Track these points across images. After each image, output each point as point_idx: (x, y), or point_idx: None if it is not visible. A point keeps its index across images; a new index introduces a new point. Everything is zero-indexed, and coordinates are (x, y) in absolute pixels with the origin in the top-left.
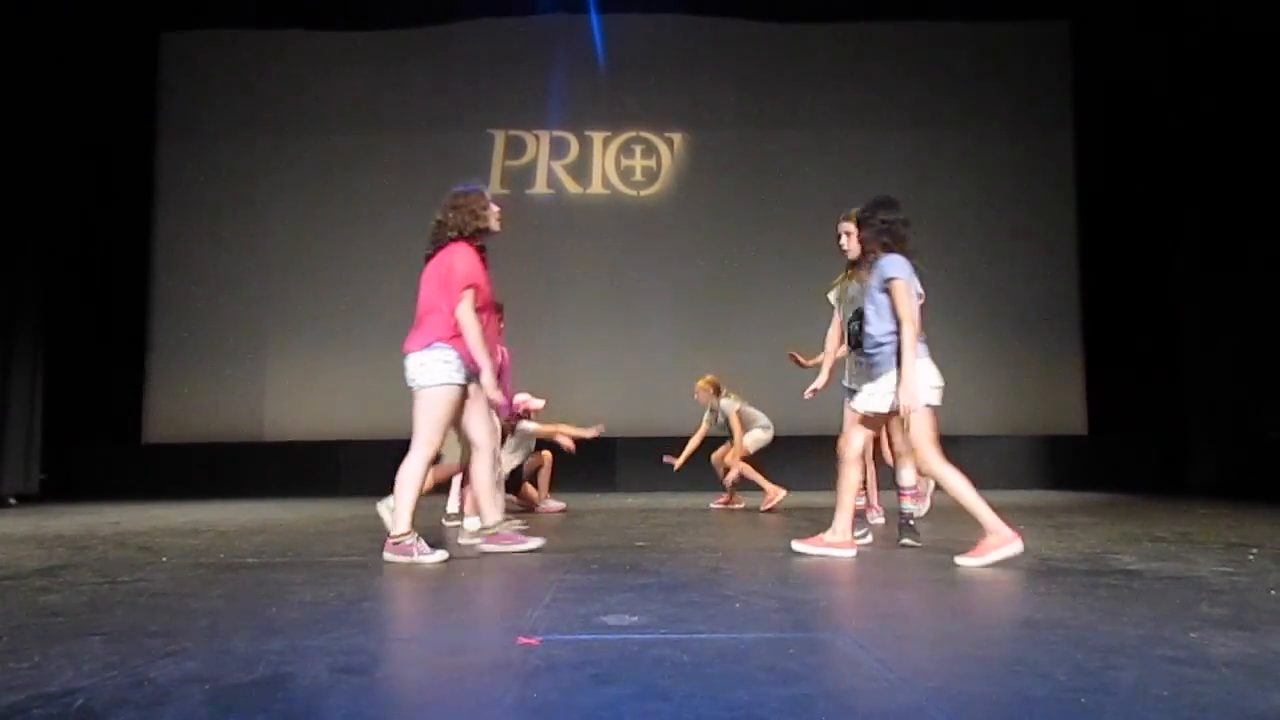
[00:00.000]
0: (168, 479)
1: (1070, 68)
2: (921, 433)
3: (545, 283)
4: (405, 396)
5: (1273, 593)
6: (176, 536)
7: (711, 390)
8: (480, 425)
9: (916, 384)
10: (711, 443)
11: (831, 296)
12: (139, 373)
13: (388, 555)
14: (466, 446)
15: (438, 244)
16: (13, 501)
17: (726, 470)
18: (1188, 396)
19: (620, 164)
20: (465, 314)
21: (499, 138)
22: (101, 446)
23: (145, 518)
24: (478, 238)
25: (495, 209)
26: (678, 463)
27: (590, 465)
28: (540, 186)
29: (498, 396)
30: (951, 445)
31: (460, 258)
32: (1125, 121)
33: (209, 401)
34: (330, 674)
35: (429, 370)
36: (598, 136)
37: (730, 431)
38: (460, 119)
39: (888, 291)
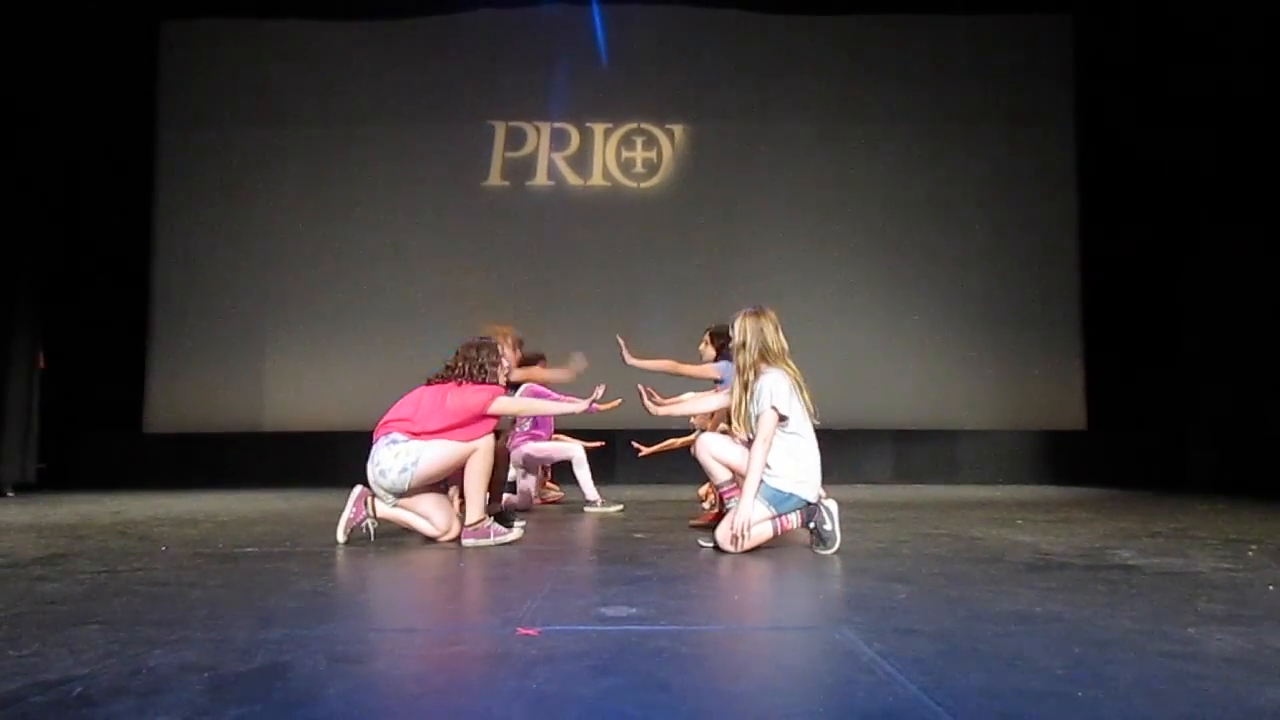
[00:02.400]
0: (167, 469)
1: (1072, 61)
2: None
3: (545, 275)
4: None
5: (1271, 588)
6: (176, 526)
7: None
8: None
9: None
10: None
11: None
12: (139, 362)
13: (467, 541)
14: None
15: (445, 379)
16: (10, 493)
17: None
18: (1187, 392)
19: (621, 156)
20: (508, 403)
21: (499, 129)
22: (101, 436)
23: (144, 507)
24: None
25: (506, 363)
26: (646, 450)
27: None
28: (541, 178)
29: None
30: (951, 440)
31: (473, 397)
32: (1128, 116)
33: (209, 392)
34: (329, 664)
35: (408, 455)
36: (598, 128)
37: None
38: (461, 110)
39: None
